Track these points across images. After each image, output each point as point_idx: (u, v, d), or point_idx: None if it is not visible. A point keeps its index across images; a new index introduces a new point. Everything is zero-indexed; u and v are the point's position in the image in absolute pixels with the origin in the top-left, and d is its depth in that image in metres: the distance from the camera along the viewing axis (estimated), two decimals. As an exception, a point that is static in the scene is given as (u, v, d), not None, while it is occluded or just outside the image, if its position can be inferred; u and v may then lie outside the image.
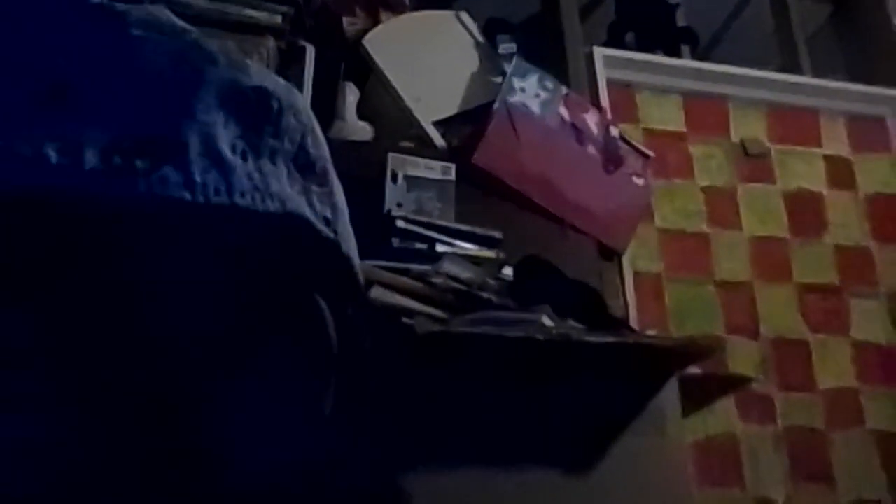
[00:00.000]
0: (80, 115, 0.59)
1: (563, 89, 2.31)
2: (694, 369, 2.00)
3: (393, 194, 2.00)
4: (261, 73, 0.68)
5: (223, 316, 0.66)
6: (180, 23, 0.67)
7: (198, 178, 0.60)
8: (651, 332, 2.24)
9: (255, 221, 0.63)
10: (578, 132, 2.28)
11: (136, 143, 0.59)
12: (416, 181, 2.03)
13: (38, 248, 0.60)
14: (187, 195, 0.59)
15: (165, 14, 0.67)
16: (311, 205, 0.67)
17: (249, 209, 0.62)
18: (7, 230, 0.57)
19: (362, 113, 2.23)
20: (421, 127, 2.19)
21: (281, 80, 0.70)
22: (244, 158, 0.63)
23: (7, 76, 0.59)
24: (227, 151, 0.62)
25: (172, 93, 0.62)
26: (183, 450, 0.68)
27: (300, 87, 2.10)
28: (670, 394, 1.64)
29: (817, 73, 2.90)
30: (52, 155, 0.56)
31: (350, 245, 0.72)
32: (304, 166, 0.68)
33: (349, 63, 2.28)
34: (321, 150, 0.71)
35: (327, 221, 0.68)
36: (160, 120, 0.61)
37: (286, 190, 0.65)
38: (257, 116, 0.66)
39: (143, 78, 0.62)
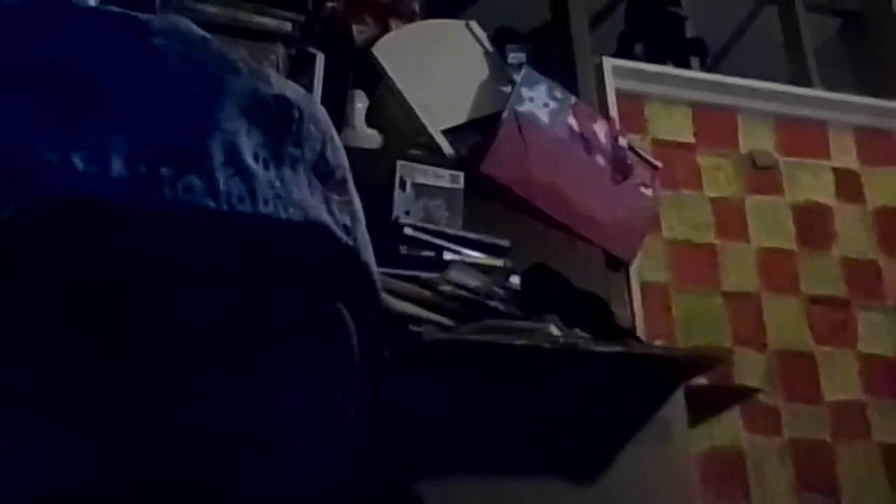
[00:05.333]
0: (103, 123, 0.59)
1: (572, 99, 2.31)
2: (700, 380, 2.00)
3: (401, 202, 2.00)
4: (281, 82, 0.68)
5: (246, 324, 0.66)
6: (201, 32, 0.68)
7: (221, 187, 0.60)
8: (658, 343, 2.24)
9: (277, 229, 0.63)
10: (587, 142, 2.28)
11: (160, 151, 0.59)
12: (424, 189, 2.03)
13: (61, 254, 0.60)
14: (212, 203, 0.59)
15: (186, 23, 0.67)
16: (331, 213, 0.67)
17: (272, 217, 0.62)
18: (33, 235, 0.57)
19: (371, 120, 2.23)
20: (430, 135, 2.19)
21: (301, 90, 0.70)
22: (266, 167, 0.64)
23: (32, 85, 0.59)
24: (249, 160, 0.62)
25: (195, 101, 0.62)
26: (209, 457, 0.68)
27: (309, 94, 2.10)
28: (676, 404, 1.64)
29: (826, 86, 2.90)
30: (79, 163, 0.56)
31: (368, 253, 0.72)
32: (324, 175, 0.68)
33: (358, 70, 2.28)
34: (340, 158, 0.72)
35: (347, 230, 0.68)
36: (184, 128, 0.61)
37: (307, 198, 0.65)
38: (278, 125, 0.66)
39: (166, 86, 0.62)
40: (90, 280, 0.61)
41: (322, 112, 0.71)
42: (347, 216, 0.69)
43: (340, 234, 0.68)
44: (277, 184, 0.63)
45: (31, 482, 0.65)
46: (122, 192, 0.57)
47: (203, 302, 0.64)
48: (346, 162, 0.72)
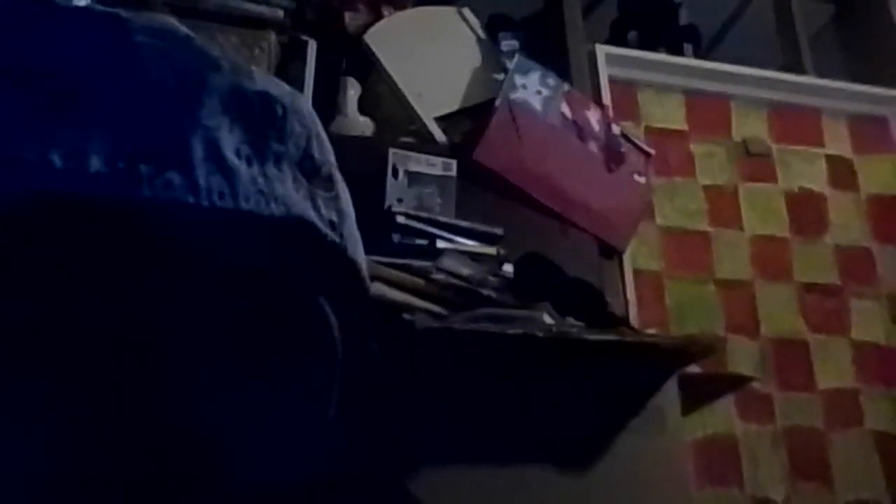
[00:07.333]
0: (84, 121, 0.59)
1: (565, 86, 2.31)
2: (694, 368, 2.00)
3: (394, 190, 2.00)
4: (265, 79, 0.68)
5: (228, 321, 0.66)
6: (184, 29, 0.67)
7: (202, 183, 0.60)
8: (651, 331, 2.24)
9: (260, 225, 0.63)
10: (580, 129, 2.27)
11: (140, 148, 0.59)
12: (416, 177, 2.02)
13: (42, 251, 0.60)
14: (191, 199, 0.59)
15: (169, 21, 0.67)
16: (316, 209, 0.67)
17: (254, 213, 0.62)
18: (14, 233, 0.57)
19: (363, 108, 2.23)
20: (422, 123, 2.19)
21: (285, 85, 0.70)
22: (249, 163, 0.64)
23: (12, 83, 0.59)
24: (231, 156, 0.62)
25: (176, 98, 0.62)
26: (187, 454, 0.68)
27: (301, 81, 2.10)
28: (670, 392, 1.64)
29: (820, 73, 2.89)
30: (57, 160, 0.56)
31: (357, 249, 0.72)
32: (310, 171, 0.68)
33: (351, 58, 2.28)
34: (326, 154, 0.71)
35: (333, 225, 0.68)
36: (164, 125, 0.61)
37: (291, 194, 0.65)
38: (261, 121, 0.66)
39: (146, 84, 0.62)
40: (69, 277, 0.61)
41: (307, 108, 0.71)
42: (334, 212, 0.69)
43: (326, 229, 0.67)
44: (260, 180, 0.63)
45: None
46: (100, 188, 0.57)
47: (182, 297, 0.64)
48: (332, 157, 0.72)
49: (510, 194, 2.13)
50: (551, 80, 2.28)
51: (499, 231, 2.00)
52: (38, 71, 0.60)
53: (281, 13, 2.16)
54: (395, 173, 2.01)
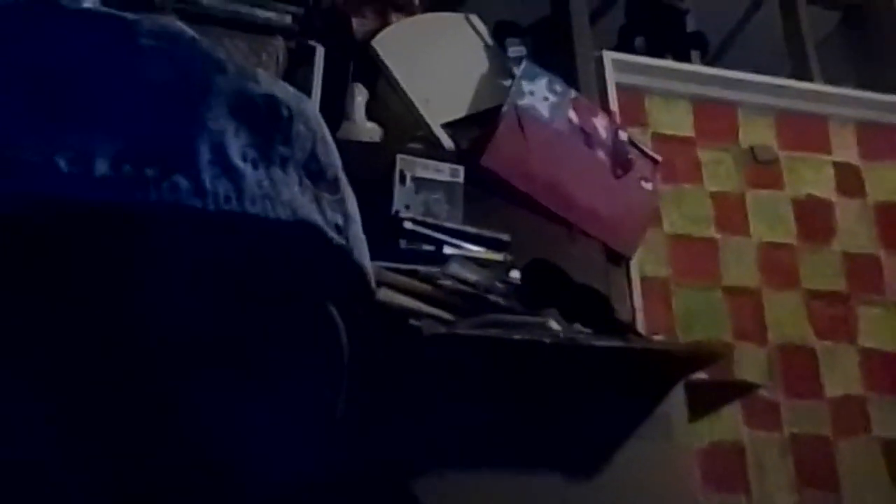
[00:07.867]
0: (89, 123, 0.59)
1: (573, 93, 2.31)
2: (701, 375, 1.99)
3: (401, 196, 1.99)
4: (270, 81, 0.68)
5: (235, 324, 0.66)
6: (189, 32, 0.67)
7: (208, 186, 0.60)
8: (658, 338, 2.23)
9: (266, 229, 0.63)
10: (587, 136, 2.27)
11: (146, 151, 0.59)
12: (424, 183, 2.02)
13: (47, 253, 0.59)
14: (198, 203, 0.59)
15: (175, 23, 0.67)
16: (322, 212, 0.67)
17: (260, 216, 0.62)
18: (18, 235, 0.57)
19: (371, 114, 2.22)
20: (430, 129, 2.19)
21: (290, 88, 0.70)
22: (254, 166, 0.63)
23: (16, 84, 0.59)
24: (237, 159, 0.62)
25: (182, 102, 0.62)
26: (194, 458, 0.68)
27: (309, 87, 2.10)
28: (677, 399, 1.64)
29: (827, 80, 2.89)
30: (62, 164, 0.56)
31: (362, 252, 0.72)
32: (315, 174, 0.68)
33: (358, 64, 2.28)
34: (332, 157, 0.71)
35: (338, 229, 0.68)
36: (170, 129, 0.61)
37: (297, 197, 0.65)
38: (267, 124, 0.66)
39: (152, 87, 0.62)
40: (75, 281, 0.61)
41: (313, 110, 0.71)
42: (339, 215, 0.69)
43: (332, 233, 0.67)
44: (266, 183, 0.63)
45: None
46: (107, 193, 0.57)
47: (190, 302, 0.64)
48: (338, 160, 0.72)
49: (517, 200, 2.13)
50: (558, 87, 2.28)
51: (506, 237, 2.00)
52: (43, 72, 0.60)
53: (289, 19, 2.17)
54: (403, 179, 2.01)
